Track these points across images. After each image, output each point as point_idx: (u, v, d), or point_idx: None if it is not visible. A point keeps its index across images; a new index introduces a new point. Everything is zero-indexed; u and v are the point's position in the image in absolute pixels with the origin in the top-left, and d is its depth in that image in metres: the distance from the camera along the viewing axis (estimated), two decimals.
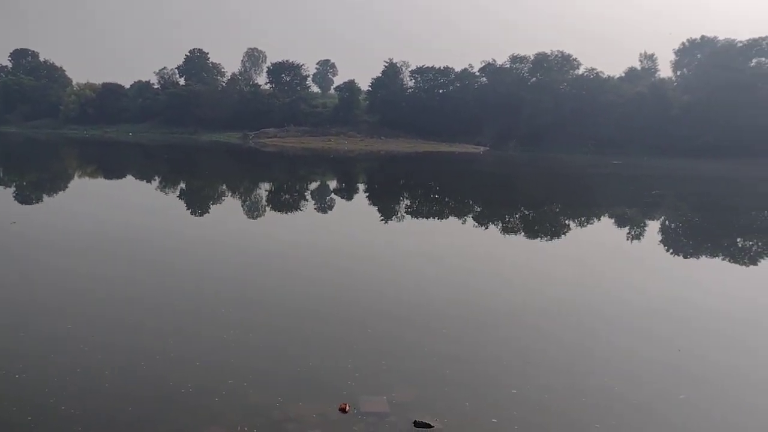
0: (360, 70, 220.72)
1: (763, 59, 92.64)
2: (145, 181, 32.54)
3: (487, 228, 19.22)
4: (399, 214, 21.40)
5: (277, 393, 5.95)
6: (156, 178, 33.16)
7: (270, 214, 20.60)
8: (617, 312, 9.42)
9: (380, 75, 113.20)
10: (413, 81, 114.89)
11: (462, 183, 37.15)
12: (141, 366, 6.53)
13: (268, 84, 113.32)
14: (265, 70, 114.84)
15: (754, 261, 15.20)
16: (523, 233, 18.53)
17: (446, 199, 28.32)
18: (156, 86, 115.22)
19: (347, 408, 5.61)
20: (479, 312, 9.13)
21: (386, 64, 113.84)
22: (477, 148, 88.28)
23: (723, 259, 15.45)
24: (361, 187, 33.78)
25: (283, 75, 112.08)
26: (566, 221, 21.35)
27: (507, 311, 9.25)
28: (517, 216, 22.58)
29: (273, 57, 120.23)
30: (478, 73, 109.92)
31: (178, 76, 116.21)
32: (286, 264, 12.11)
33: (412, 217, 21.17)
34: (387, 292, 10.14)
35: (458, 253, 14.30)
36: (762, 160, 67.47)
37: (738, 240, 18.24)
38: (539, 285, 11.03)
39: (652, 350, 7.63)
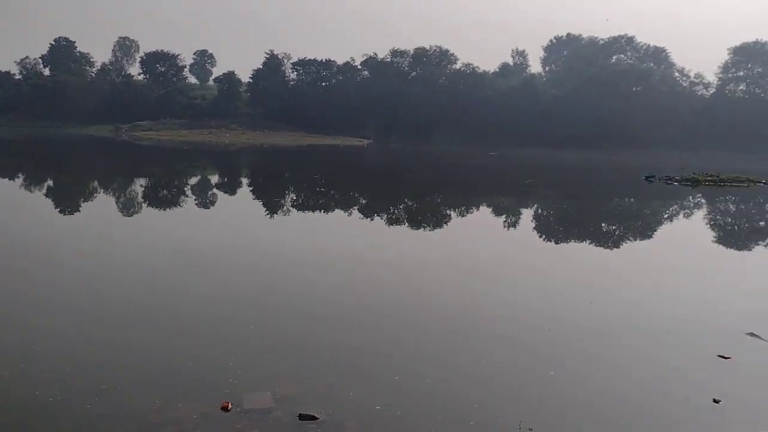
0: (240, 62, 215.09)
1: (622, 56, 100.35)
2: None
3: (372, 220, 19.37)
4: (285, 208, 21.10)
5: (154, 395, 5.64)
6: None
7: (147, 212, 19.57)
8: (502, 297, 9.77)
9: (261, 67, 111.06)
10: (295, 73, 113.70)
11: (347, 176, 37.31)
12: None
13: (142, 75, 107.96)
14: (138, 60, 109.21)
15: (617, 244, 16.37)
16: (407, 224, 18.86)
17: (332, 192, 28.31)
18: (18, 77, 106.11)
19: (229, 406, 5.41)
20: (363, 301, 9.15)
21: (267, 56, 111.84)
22: (361, 141, 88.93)
23: (590, 243, 16.51)
24: (245, 181, 32.96)
25: (158, 65, 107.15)
26: (448, 211, 21.98)
27: (391, 300, 9.34)
28: (401, 207, 22.96)
29: (146, 47, 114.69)
30: (360, 67, 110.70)
31: (42, 66, 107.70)
32: (160, 260, 11.53)
33: (297, 210, 20.92)
34: (268, 286, 9.92)
35: (344, 244, 14.29)
36: (621, 150, 73.09)
37: (602, 225, 19.58)
38: (422, 274, 11.24)
39: (526, 332, 7.98)
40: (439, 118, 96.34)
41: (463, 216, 20.74)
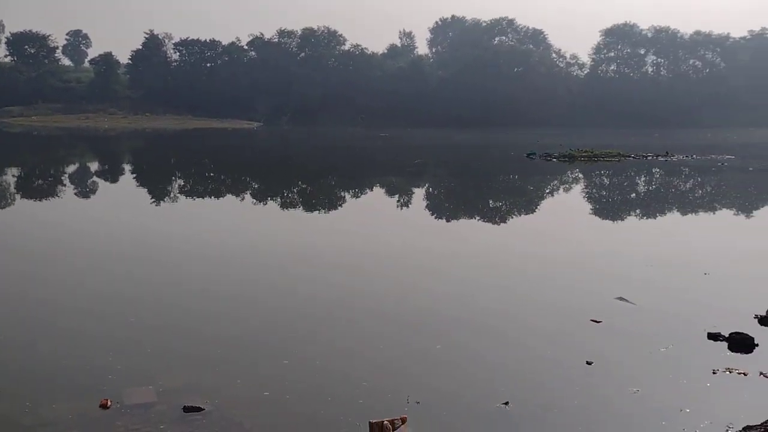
0: (118, 43, 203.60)
1: (504, 38, 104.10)
2: None
3: (266, 204, 19.04)
4: (172, 195, 20.30)
5: (28, 397, 5.27)
6: None
7: (21, 204, 18.16)
8: (388, 277, 9.91)
9: (140, 47, 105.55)
10: (178, 54, 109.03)
11: (238, 159, 36.40)
12: None
13: (9, 57, 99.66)
14: (4, 41, 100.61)
15: (504, 219, 17.07)
16: (301, 207, 18.68)
17: (222, 177, 27.58)
18: None
19: (108, 403, 5.14)
20: (247, 291, 8.97)
21: (146, 36, 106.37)
22: (250, 124, 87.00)
23: (479, 219, 17.10)
24: (127, 168, 31.31)
25: (27, 47, 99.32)
26: (342, 193, 22.00)
27: (276, 287, 9.23)
28: (295, 190, 22.74)
29: (13, 27, 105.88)
30: (246, 47, 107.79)
31: None
32: (33, 254, 10.76)
33: (186, 197, 20.19)
34: (148, 277, 9.52)
35: (230, 230, 13.94)
36: (505, 129, 76.07)
37: (489, 201, 20.34)
38: (309, 258, 11.18)
39: (411, 311, 8.16)
40: (330, 99, 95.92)
41: (357, 197, 20.84)
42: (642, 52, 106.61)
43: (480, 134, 64.53)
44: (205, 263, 10.37)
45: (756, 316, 7.48)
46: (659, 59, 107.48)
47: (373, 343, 6.77)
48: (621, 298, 8.27)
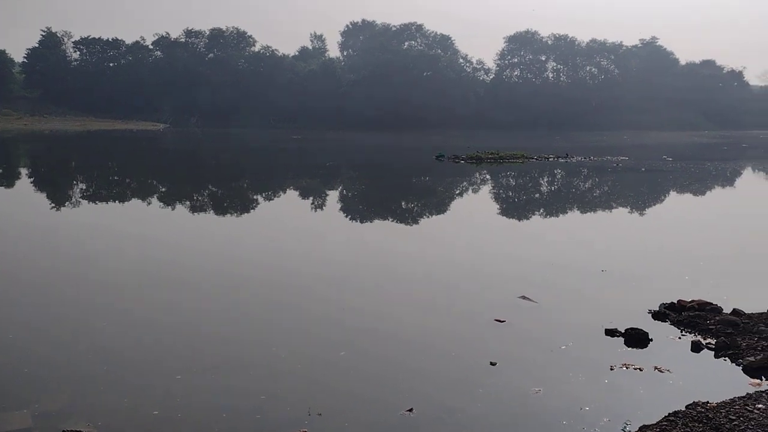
0: (12, 40, 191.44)
1: (413, 42, 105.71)
2: None
3: (174, 208, 18.24)
4: (73, 200, 19.15)
5: None
6: None
7: None
8: (284, 281, 9.66)
9: (37, 45, 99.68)
10: (78, 53, 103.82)
11: (143, 162, 34.94)
12: None
13: None
14: None
15: (416, 219, 17.16)
16: (212, 211, 18.03)
17: (127, 180, 26.38)
18: None
19: None
20: (128, 298, 8.50)
21: (43, 34, 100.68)
22: (156, 126, 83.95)
23: (392, 221, 17.09)
24: (24, 172, 29.23)
25: None
26: (255, 196, 21.47)
27: (160, 296, 8.79)
28: (205, 193, 22.01)
29: None
30: (152, 47, 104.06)
31: None
32: None
33: (89, 202, 19.09)
34: (16, 288, 8.84)
35: (135, 236, 13.22)
36: (416, 131, 77.18)
37: (402, 203, 20.42)
38: (202, 264, 10.77)
39: (313, 320, 7.98)
40: (240, 101, 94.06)
41: (266, 201, 20.37)
42: (543, 58, 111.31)
43: (391, 136, 65.07)
44: (85, 272, 9.74)
45: (650, 311, 7.80)
46: (559, 65, 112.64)
47: (272, 353, 6.52)
48: (524, 297, 8.41)
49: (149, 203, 19.07)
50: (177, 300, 8.42)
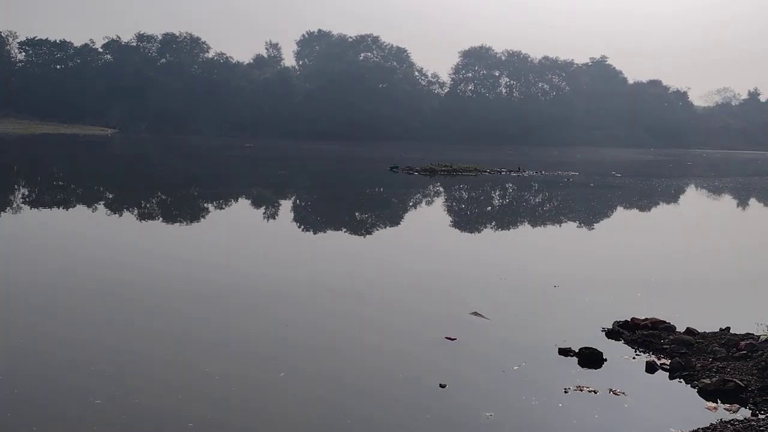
0: None
1: (369, 54, 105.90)
2: None
3: (121, 215, 17.42)
4: (14, 205, 18.14)
5: None
6: None
7: None
8: (225, 297, 9.16)
9: None
10: (24, 54, 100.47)
11: (89, 168, 33.68)
12: None
13: None
14: None
15: (369, 231, 16.77)
16: (161, 219, 17.29)
17: (73, 186, 25.32)
18: None
19: None
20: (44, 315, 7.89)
21: None
22: (104, 130, 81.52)
23: (342, 233, 16.69)
24: None
25: None
26: (205, 204, 20.78)
27: (82, 308, 8.21)
28: (154, 201, 21.21)
29: None
30: (101, 50, 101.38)
31: None
32: None
33: (31, 207, 18.13)
34: None
35: (72, 243, 12.46)
36: (370, 142, 77.05)
37: (354, 214, 20.03)
38: (138, 275, 10.18)
39: (255, 325, 7.53)
40: (192, 107, 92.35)
41: (212, 211, 19.70)
42: (497, 73, 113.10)
43: (345, 147, 64.73)
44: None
45: (603, 329, 7.62)
46: (512, 81, 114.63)
47: (205, 374, 6.01)
48: (475, 313, 8.13)
49: (84, 212, 18.18)
50: (107, 318, 7.83)
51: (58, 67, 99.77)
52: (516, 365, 6.41)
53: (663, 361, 6.61)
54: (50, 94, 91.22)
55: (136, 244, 13.06)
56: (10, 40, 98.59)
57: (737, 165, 61.48)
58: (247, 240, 14.32)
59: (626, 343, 7.20)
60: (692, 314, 8.16)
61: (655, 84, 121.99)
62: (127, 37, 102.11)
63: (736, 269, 12.45)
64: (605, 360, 6.59)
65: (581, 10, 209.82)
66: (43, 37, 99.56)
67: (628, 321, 7.67)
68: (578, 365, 6.51)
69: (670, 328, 7.40)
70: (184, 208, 19.79)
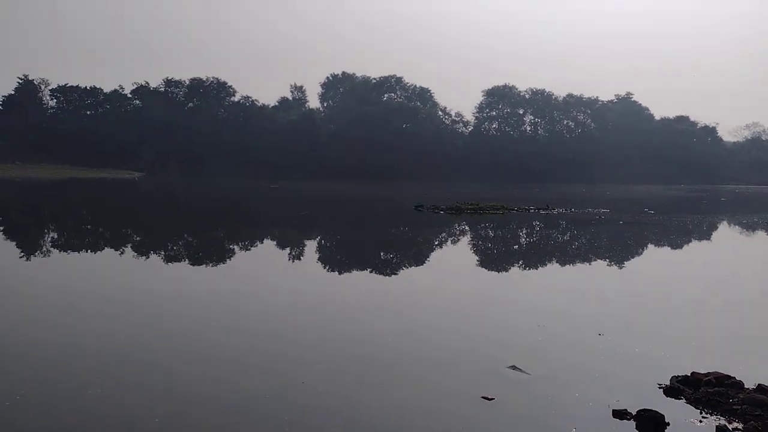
0: None
1: (393, 95, 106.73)
2: None
3: (148, 258, 17.00)
4: (43, 248, 17.83)
5: None
6: None
7: None
8: (248, 343, 8.47)
9: (13, 92, 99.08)
10: (55, 101, 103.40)
11: (117, 210, 33.71)
12: None
13: None
14: None
15: (394, 272, 16.04)
16: (187, 260, 16.82)
17: (100, 230, 25.18)
18: None
19: None
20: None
21: (20, 81, 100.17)
22: (132, 174, 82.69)
23: (366, 276, 15.98)
24: None
25: None
26: (231, 245, 20.33)
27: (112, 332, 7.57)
28: (180, 243, 20.83)
29: None
30: (130, 96, 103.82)
31: None
32: None
33: (60, 251, 17.85)
34: None
35: (98, 286, 11.95)
36: (395, 182, 76.82)
37: (382, 253, 19.36)
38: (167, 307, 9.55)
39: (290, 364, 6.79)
40: (219, 150, 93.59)
41: (247, 249, 19.26)
42: (521, 111, 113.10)
43: (370, 186, 64.45)
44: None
45: (660, 386, 6.74)
46: (536, 119, 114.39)
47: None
48: (514, 367, 7.33)
49: (122, 252, 17.78)
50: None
51: (88, 112, 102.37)
52: (564, 430, 5.58)
53: (735, 425, 5.73)
54: (81, 139, 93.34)
55: (147, 286, 12.50)
56: (42, 87, 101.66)
57: None
58: (263, 286, 13.68)
59: (688, 402, 6.32)
60: (759, 368, 7.25)
61: (682, 120, 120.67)
62: (155, 82, 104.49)
63: None
64: (668, 424, 5.72)
65: (605, 46, 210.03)
66: (74, 84, 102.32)
67: (687, 376, 6.80)
68: (636, 430, 5.66)
69: (737, 385, 6.51)
70: (203, 250, 19.29)
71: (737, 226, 31.55)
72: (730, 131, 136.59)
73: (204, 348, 8.11)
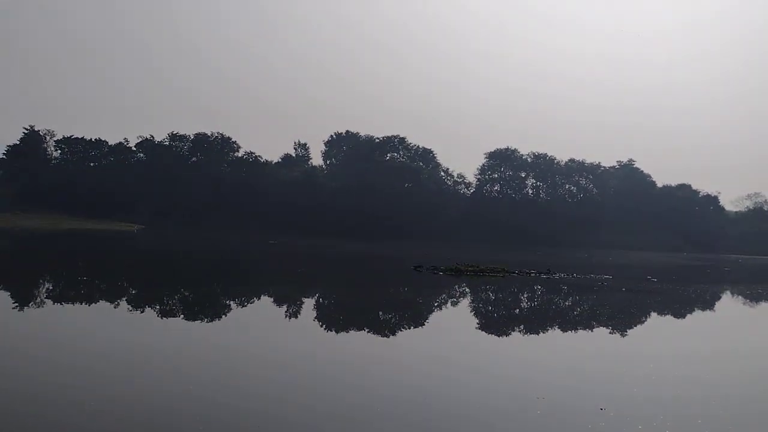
0: None
1: (395, 154, 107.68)
2: None
3: (143, 311, 16.46)
4: (39, 300, 17.29)
5: None
6: None
7: None
8: (230, 406, 7.90)
9: (18, 143, 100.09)
10: (59, 152, 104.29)
11: (116, 263, 33.24)
12: None
13: None
14: None
15: (392, 331, 15.46)
16: (181, 315, 16.27)
17: (97, 282, 24.63)
18: None
19: None
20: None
21: (26, 131, 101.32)
22: (131, 226, 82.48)
23: (368, 332, 15.39)
24: None
25: None
26: (227, 301, 19.80)
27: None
28: (176, 297, 20.33)
29: None
30: (135, 149, 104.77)
31: None
32: None
33: (54, 302, 17.28)
34: None
35: (107, 342, 11.40)
36: (396, 241, 76.47)
37: (380, 313, 18.79)
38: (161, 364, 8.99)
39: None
40: (220, 205, 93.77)
41: (242, 306, 18.72)
42: (523, 175, 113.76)
43: (370, 245, 64.08)
44: None
45: None
46: (538, 182, 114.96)
47: None
48: None
49: (117, 305, 17.24)
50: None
51: (92, 164, 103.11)
52: None
53: None
54: (83, 190, 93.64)
55: (133, 346, 11.93)
56: (47, 138, 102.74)
57: None
58: (254, 347, 13.10)
59: None
60: None
61: (684, 188, 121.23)
62: (160, 136, 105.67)
63: None
64: None
65: (607, 111, 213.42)
66: (79, 136, 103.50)
67: None
68: None
69: None
70: (191, 308, 18.74)
71: (743, 298, 30.92)
72: (732, 201, 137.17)
73: (173, 406, 7.55)
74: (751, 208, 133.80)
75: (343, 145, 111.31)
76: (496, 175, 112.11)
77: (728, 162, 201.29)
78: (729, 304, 27.69)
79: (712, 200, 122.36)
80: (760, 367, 12.90)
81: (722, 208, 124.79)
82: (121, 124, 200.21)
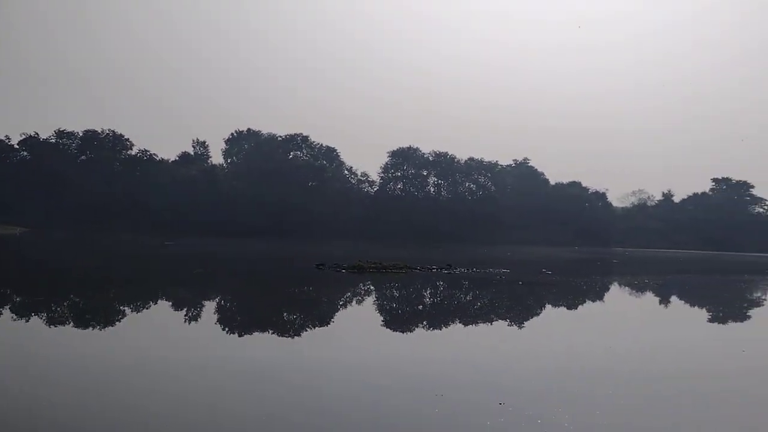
0: None
1: (299, 153, 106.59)
2: None
3: (28, 321, 15.02)
4: None
5: None
6: None
7: None
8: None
9: None
10: None
11: None
12: None
13: None
14: None
15: (298, 332, 15.03)
16: (74, 323, 14.99)
17: None
18: None
19: None
20: None
21: None
22: (13, 229, 76.62)
23: (272, 333, 14.84)
24: None
25: None
26: (121, 307, 18.50)
27: None
28: (66, 304, 18.81)
29: None
30: (17, 147, 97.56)
31: None
32: None
33: None
34: None
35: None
36: (301, 240, 75.66)
37: (284, 314, 18.26)
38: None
39: None
40: (113, 205, 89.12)
41: (136, 312, 17.52)
42: (425, 173, 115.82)
43: (273, 244, 62.92)
44: None
45: None
46: (440, 180, 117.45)
47: None
48: None
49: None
50: None
51: None
52: None
53: None
54: None
55: (18, 354, 10.83)
56: None
57: (661, 263, 63.35)
58: (143, 349, 12.27)
59: None
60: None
61: (574, 185, 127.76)
62: (46, 133, 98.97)
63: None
64: None
65: (501, 110, 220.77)
66: None
67: None
68: None
69: None
70: (101, 311, 17.44)
71: (625, 287, 32.78)
72: (618, 197, 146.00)
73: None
74: (635, 203, 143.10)
75: (244, 143, 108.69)
76: (399, 174, 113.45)
77: (615, 161, 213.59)
78: (618, 294, 29.24)
79: (601, 197, 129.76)
80: (653, 354, 13.52)
81: (610, 204, 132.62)
82: (5, 121, 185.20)
